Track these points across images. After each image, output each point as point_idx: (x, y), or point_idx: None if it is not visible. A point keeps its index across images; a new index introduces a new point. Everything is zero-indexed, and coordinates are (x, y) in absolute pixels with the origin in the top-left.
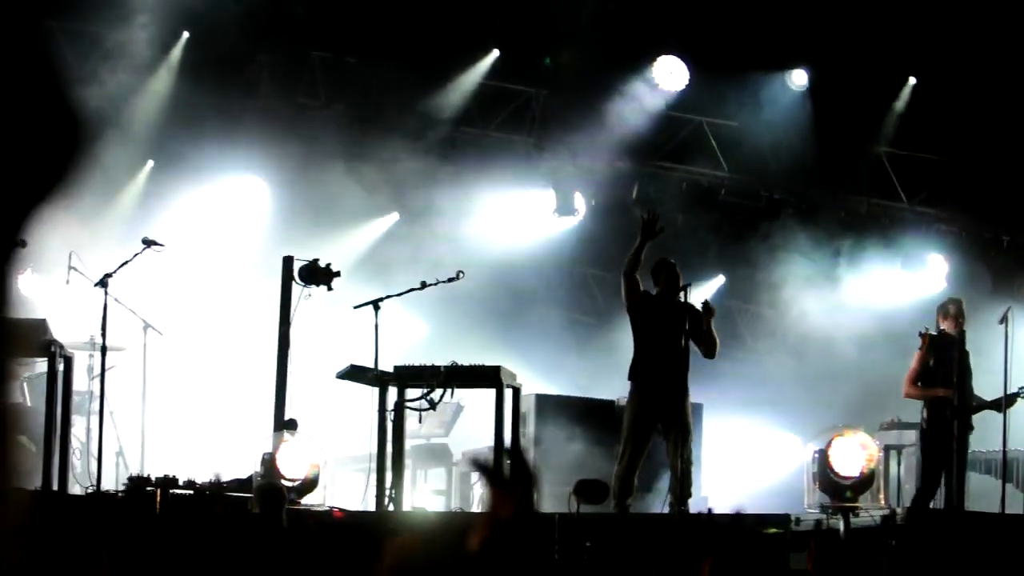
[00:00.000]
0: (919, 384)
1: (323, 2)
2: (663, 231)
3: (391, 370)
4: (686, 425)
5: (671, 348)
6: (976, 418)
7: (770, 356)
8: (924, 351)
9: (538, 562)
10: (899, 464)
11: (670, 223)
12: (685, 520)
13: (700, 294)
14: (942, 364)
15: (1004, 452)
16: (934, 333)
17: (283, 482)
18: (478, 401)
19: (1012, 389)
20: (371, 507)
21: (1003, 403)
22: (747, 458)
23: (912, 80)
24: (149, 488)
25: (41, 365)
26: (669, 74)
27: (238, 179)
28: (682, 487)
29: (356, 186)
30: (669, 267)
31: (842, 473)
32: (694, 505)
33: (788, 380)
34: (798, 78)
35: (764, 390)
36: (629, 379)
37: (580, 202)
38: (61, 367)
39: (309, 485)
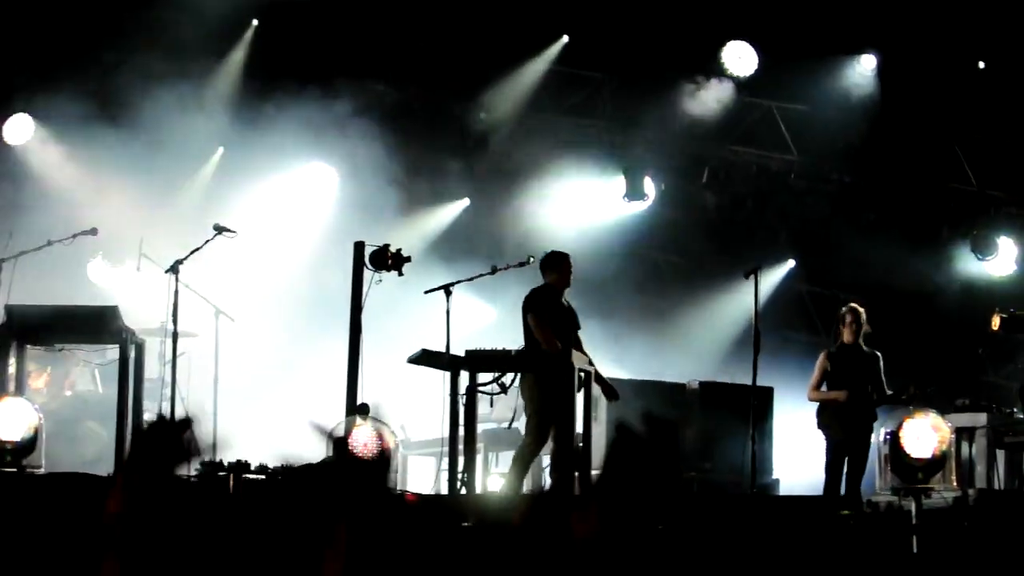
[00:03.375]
0: (820, 388)
1: None
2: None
3: (463, 354)
4: None
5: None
6: None
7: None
8: (823, 361)
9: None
10: (971, 446)
11: (740, 207)
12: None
13: (770, 277)
14: (839, 370)
15: None
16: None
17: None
18: None
19: None
20: (443, 491)
21: (902, 394)
22: (818, 441)
23: (981, 64)
24: (222, 473)
25: (113, 352)
26: (739, 59)
27: (308, 166)
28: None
29: (426, 171)
30: (566, 258)
31: (914, 455)
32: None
33: None
34: (867, 63)
35: None
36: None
37: (650, 187)
38: (133, 353)
39: None
